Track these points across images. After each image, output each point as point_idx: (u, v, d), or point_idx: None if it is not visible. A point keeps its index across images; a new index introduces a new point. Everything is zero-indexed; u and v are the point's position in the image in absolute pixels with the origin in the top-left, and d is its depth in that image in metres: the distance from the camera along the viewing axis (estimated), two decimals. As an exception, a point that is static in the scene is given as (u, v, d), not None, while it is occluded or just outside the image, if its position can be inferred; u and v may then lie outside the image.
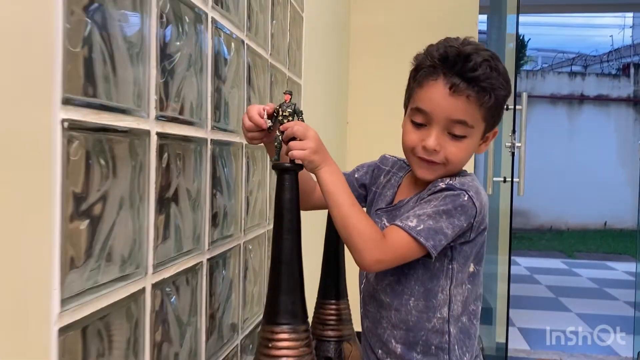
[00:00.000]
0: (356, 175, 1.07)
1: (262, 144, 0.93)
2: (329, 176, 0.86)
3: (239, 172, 1.07)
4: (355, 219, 0.84)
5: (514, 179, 2.50)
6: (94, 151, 0.58)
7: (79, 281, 0.56)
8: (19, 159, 0.48)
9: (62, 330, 0.53)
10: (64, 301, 0.54)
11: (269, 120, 0.87)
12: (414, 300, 0.93)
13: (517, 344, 3.35)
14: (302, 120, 0.87)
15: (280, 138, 0.86)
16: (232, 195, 1.03)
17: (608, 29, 12.76)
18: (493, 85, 0.89)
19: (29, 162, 0.49)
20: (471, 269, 0.95)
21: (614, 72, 10.67)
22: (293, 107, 0.87)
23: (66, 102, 0.53)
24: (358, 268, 1.03)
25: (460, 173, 0.95)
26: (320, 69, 2.02)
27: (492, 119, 0.92)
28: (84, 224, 0.56)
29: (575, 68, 11.54)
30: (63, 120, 0.52)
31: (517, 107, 2.48)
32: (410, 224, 0.86)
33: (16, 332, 0.48)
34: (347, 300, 1.21)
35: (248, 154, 1.11)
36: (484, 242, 0.95)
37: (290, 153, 0.84)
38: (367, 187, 1.07)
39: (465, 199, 0.88)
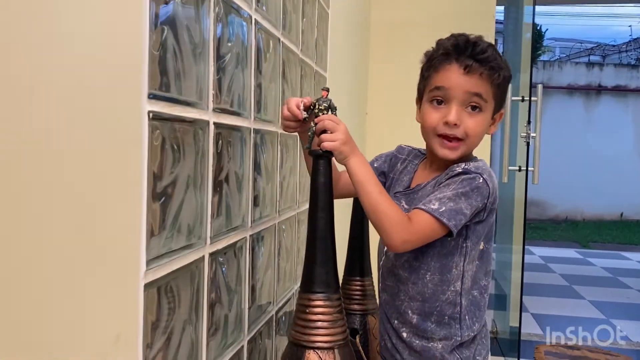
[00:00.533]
0: (375, 165, 1.17)
1: (296, 133, 1.03)
2: (359, 166, 0.95)
3: (275, 158, 1.17)
4: (383, 205, 0.93)
5: (529, 168, 2.57)
6: (169, 138, 0.68)
7: (157, 247, 0.67)
8: (121, 143, 0.59)
9: (147, 286, 0.65)
10: (148, 262, 0.65)
11: (305, 112, 0.97)
12: (430, 274, 1.02)
13: (530, 328, 3.43)
14: (335, 115, 0.97)
15: (314, 129, 0.96)
16: (269, 179, 1.14)
17: (627, 19, 12.58)
18: (500, 65, 1.00)
19: (126, 147, 0.60)
20: (481, 246, 1.03)
21: (632, 62, 10.54)
22: (329, 102, 0.97)
23: (151, 96, 0.63)
24: (377, 246, 1.14)
25: (473, 158, 1.05)
26: (343, 62, 2.11)
27: (499, 98, 1.02)
28: (161, 200, 0.67)
29: (593, 58, 11.42)
30: (149, 112, 0.63)
31: (533, 98, 2.55)
32: (432, 206, 0.94)
33: (114, 286, 0.60)
34: (372, 277, 1.31)
35: (282, 142, 1.21)
36: (494, 222, 1.04)
37: (321, 144, 0.94)
38: (385, 174, 1.16)
39: (481, 181, 0.96)
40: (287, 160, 1.27)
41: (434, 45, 1.05)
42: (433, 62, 1.03)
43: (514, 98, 2.60)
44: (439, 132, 1.03)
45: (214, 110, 0.83)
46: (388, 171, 1.15)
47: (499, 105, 1.04)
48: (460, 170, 0.99)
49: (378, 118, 2.70)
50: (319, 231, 0.94)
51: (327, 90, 0.97)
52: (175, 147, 0.70)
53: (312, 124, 0.97)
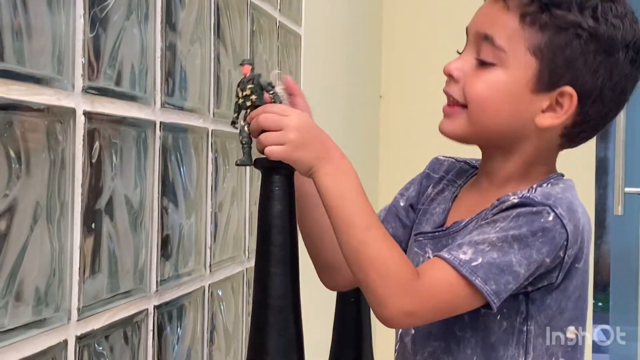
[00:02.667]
0: (402, 204, 1.18)
1: None
2: (331, 181, 0.96)
3: (203, 174, 1.20)
4: (372, 248, 0.95)
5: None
6: (2, 139, 0.71)
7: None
8: None
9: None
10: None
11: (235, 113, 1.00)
12: None
13: None
14: (277, 101, 0.99)
15: (247, 131, 0.98)
16: (192, 210, 1.16)
17: None
18: None
19: None
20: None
21: None
22: (255, 80, 0.98)
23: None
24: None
25: (547, 178, 1.05)
26: (335, 15, 2.15)
27: (554, 56, 0.99)
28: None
29: None
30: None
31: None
32: (462, 256, 0.95)
33: None
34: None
35: (216, 146, 1.24)
36: (585, 289, 1.04)
37: (264, 151, 0.95)
38: (414, 207, 1.18)
39: (550, 219, 0.97)
40: (226, 178, 1.29)
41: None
42: None
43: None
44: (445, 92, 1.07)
45: (86, 90, 0.85)
46: (416, 202, 1.18)
47: (558, 71, 1.00)
48: (516, 200, 0.99)
49: (397, 102, 2.82)
50: (273, 298, 0.96)
51: (250, 63, 0.99)
52: (13, 154, 0.73)
53: (241, 123, 0.99)
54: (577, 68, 1.00)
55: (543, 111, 1.02)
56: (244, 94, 0.98)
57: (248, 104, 0.98)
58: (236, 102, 0.99)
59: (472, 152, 1.13)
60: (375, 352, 1.38)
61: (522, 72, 1.01)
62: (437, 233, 1.10)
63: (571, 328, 1.04)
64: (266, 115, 0.96)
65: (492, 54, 1.01)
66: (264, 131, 0.96)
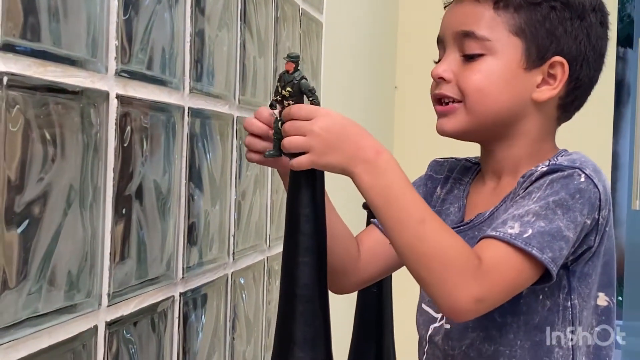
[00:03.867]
0: None
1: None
2: (370, 180, 0.94)
3: (227, 161, 1.20)
4: (431, 241, 0.93)
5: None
6: (37, 121, 0.70)
7: (12, 310, 0.68)
8: None
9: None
10: (-4, 333, 0.66)
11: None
12: None
13: None
14: (313, 101, 0.95)
15: (280, 127, 0.95)
16: (217, 197, 1.16)
17: None
18: None
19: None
20: (602, 301, 1.05)
21: None
22: (297, 82, 0.93)
23: (6, 48, 0.65)
24: (414, 318, 1.15)
25: (559, 152, 1.08)
26: (355, 4, 2.14)
27: (536, 31, 1.04)
28: (20, 228, 0.68)
29: None
30: (2, 75, 0.65)
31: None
32: (511, 231, 0.95)
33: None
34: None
35: (241, 134, 1.24)
36: (612, 254, 1.05)
37: (292, 164, 0.93)
38: None
39: (582, 179, 0.98)
40: (249, 165, 1.29)
41: None
42: None
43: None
44: (432, 97, 1.08)
45: (119, 74, 0.85)
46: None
47: (542, 42, 1.05)
48: (545, 168, 1.01)
49: (412, 93, 2.80)
50: (301, 287, 0.95)
51: (295, 60, 0.95)
52: (49, 136, 0.72)
53: (275, 116, 0.96)
54: (559, 37, 1.05)
55: (538, 86, 1.06)
56: (283, 93, 0.95)
57: (285, 103, 0.95)
58: (274, 99, 0.97)
59: (470, 151, 1.16)
60: (397, 343, 1.37)
61: (511, 54, 1.04)
62: (461, 227, 1.09)
63: (601, 294, 1.05)
64: (291, 123, 0.93)
65: (478, 46, 1.04)
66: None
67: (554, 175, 0.98)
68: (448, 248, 0.93)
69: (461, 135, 1.08)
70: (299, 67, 0.95)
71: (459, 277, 0.92)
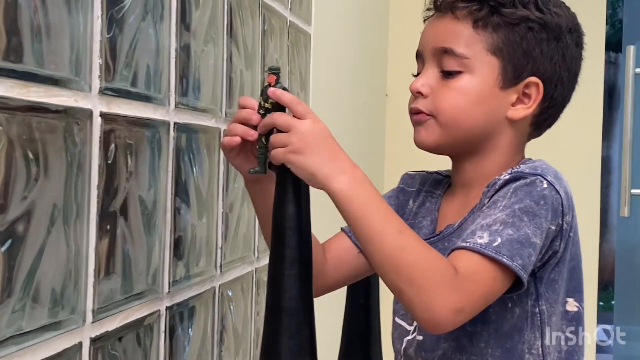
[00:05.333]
0: None
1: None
2: (349, 191, 0.94)
3: (214, 174, 1.20)
4: (410, 251, 0.94)
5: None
6: (20, 140, 0.71)
7: (-3, 326, 0.69)
8: None
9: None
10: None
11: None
12: None
13: None
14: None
15: (264, 141, 0.96)
16: (204, 210, 1.16)
17: None
18: None
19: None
20: (571, 306, 1.06)
21: None
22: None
23: (-12, 70, 0.66)
24: (391, 328, 1.16)
25: (523, 161, 1.10)
26: (343, 15, 2.15)
27: (513, 51, 1.06)
28: (4, 246, 0.69)
29: None
30: (-16, 97, 0.65)
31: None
32: (480, 241, 0.96)
33: None
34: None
35: (228, 147, 1.24)
36: (579, 260, 1.07)
37: (272, 157, 0.94)
38: None
39: (545, 186, 1.00)
40: (236, 178, 1.29)
41: None
42: None
43: (639, 70, 2.64)
44: (409, 111, 1.10)
45: (103, 92, 0.85)
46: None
47: (519, 64, 1.06)
48: (507, 177, 1.02)
49: (403, 101, 2.78)
50: (287, 300, 0.96)
51: (276, 72, 0.96)
52: (32, 155, 0.73)
53: (260, 135, 0.96)
54: (535, 58, 1.07)
55: (513, 104, 1.08)
56: (265, 106, 0.96)
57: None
58: (259, 112, 0.97)
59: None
60: (385, 355, 1.38)
61: (487, 73, 1.06)
62: (431, 239, 1.10)
63: (570, 300, 1.07)
64: (278, 117, 0.95)
65: (456, 63, 1.06)
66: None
67: (517, 183, 1.00)
68: (426, 258, 0.94)
69: (435, 148, 1.10)
70: (279, 80, 0.96)
71: (439, 287, 0.93)
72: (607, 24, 3.40)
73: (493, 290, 0.97)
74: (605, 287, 5.37)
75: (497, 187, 1.02)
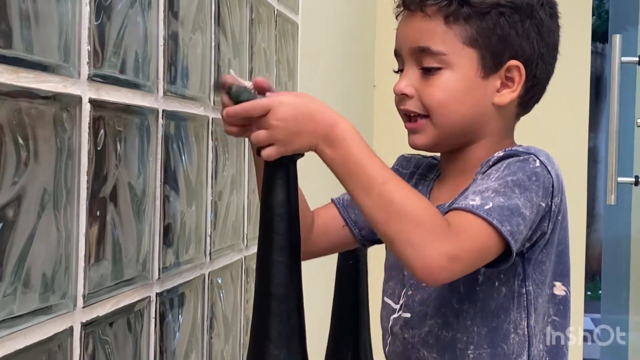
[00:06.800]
0: None
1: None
2: (331, 154, 0.95)
3: (203, 162, 1.21)
4: (398, 198, 0.94)
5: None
6: (10, 127, 0.71)
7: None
8: None
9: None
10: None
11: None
12: (473, 349, 1.06)
13: None
14: (250, 99, 0.94)
15: None
16: (193, 198, 1.17)
17: None
18: None
19: None
20: (559, 290, 1.08)
21: None
22: (233, 94, 0.94)
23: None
24: (380, 313, 1.17)
25: (515, 144, 1.11)
26: (331, 4, 2.15)
27: (488, 39, 1.07)
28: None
29: None
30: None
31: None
32: (473, 203, 0.97)
33: None
34: (373, 365, 1.34)
35: (216, 135, 1.25)
36: (567, 244, 1.08)
37: (261, 156, 0.94)
38: None
39: (537, 164, 1.02)
40: (225, 166, 1.30)
41: None
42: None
43: (625, 59, 2.66)
44: (399, 112, 1.11)
45: (91, 78, 0.86)
46: None
47: (497, 50, 1.07)
48: (502, 154, 1.05)
49: (389, 92, 2.78)
50: (275, 286, 0.97)
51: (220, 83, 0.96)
52: (22, 141, 0.73)
53: None
54: (512, 41, 1.08)
55: (498, 90, 1.09)
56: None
57: None
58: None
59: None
60: (373, 340, 1.39)
61: (467, 66, 1.07)
62: None
63: (558, 284, 1.09)
64: (249, 120, 0.94)
65: (435, 60, 1.07)
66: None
67: (511, 160, 1.03)
68: (416, 206, 0.95)
69: (431, 148, 1.12)
70: (234, 89, 0.95)
71: (430, 233, 0.93)
72: (593, 14, 3.42)
73: (487, 246, 0.97)
74: (593, 277, 5.40)
75: (490, 163, 1.04)
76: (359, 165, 0.95)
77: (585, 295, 3.35)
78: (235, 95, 0.95)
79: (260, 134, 0.93)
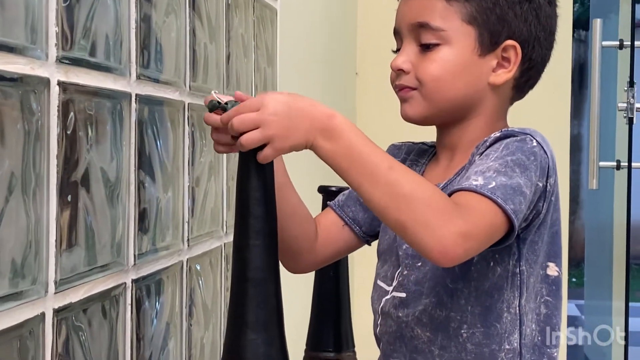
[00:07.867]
0: None
1: None
2: (330, 147, 0.94)
3: (179, 148, 1.19)
4: (405, 182, 0.94)
5: (634, 164, 2.62)
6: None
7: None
8: None
9: None
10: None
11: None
12: (467, 328, 1.07)
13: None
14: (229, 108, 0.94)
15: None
16: (169, 184, 1.16)
17: None
18: None
19: None
20: (552, 271, 1.09)
21: None
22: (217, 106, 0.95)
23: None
24: (369, 298, 1.17)
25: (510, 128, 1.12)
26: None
27: (487, 18, 1.09)
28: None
29: None
30: None
31: (638, 43, 2.60)
32: (476, 183, 0.97)
33: None
34: (354, 351, 1.33)
35: (193, 120, 1.24)
36: (559, 226, 1.09)
37: (259, 159, 0.92)
38: None
39: (534, 144, 1.03)
40: (203, 152, 1.28)
41: None
42: None
43: (606, 43, 2.66)
44: (393, 87, 1.12)
45: (60, 60, 0.84)
46: None
47: (495, 30, 1.09)
48: (499, 134, 1.06)
49: (372, 80, 2.81)
50: (252, 270, 0.96)
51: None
52: (-13, 123, 0.72)
53: None
54: (510, 21, 1.10)
55: (494, 70, 1.10)
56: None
57: None
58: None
59: (430, 137, 1.20)
60: (354, 325, 1.39)
61: (465, 42, 1.09)
62: None
63: (551, 264, 1.10)
64: (240, 118, 0.92)
65: (433, 36, 1.08)
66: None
67: (508, 140, 1.03)
68: (424, 188, 0.95)
69: (422, 120, 1.12)
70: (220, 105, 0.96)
71: (442, 214, 0.93)
72: (575, 1, 3.42)
73: (495, 224, 0.97)
74: (578, 263, 5.42)
75: (487, 144, 1.05)
76: (363, 154, 0.95)
77: (571, 282, 3.36)
78: (223, 108, 0.95)
79: (253, 135, 0.91)
